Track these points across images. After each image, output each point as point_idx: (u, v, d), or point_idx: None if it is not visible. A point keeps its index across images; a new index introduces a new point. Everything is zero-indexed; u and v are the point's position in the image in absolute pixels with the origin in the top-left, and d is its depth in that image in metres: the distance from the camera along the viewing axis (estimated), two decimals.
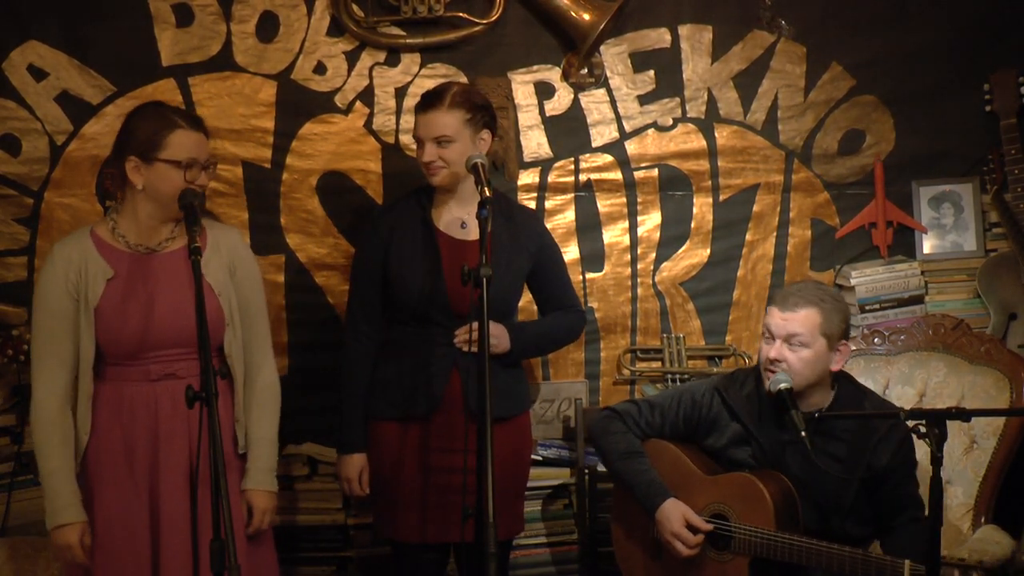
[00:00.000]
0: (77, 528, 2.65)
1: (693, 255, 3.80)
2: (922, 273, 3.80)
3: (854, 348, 3.58)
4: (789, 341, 2.90)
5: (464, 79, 3.59)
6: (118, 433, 2.69)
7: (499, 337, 2.98)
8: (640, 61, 3.71)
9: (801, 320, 2.90)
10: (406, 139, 3.61)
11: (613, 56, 3.69)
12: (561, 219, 3.74)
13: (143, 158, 2.66)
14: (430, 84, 3.55)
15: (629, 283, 3.78)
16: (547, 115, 3.69)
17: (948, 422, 2.52)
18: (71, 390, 2.71)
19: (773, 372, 2.92)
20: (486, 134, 3.01)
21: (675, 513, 2.94)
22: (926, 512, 2.89)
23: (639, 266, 3.78)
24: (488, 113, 3.04)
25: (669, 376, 3.74)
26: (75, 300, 2.69)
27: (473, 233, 3.00)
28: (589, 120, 3.72)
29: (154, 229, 2.75)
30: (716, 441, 3.03)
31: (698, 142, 3.77)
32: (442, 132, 2.94)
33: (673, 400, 3.11)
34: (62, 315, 2.69)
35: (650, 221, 3.78)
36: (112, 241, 2.74)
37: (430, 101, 2.98)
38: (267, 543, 2.90)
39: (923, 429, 2.52)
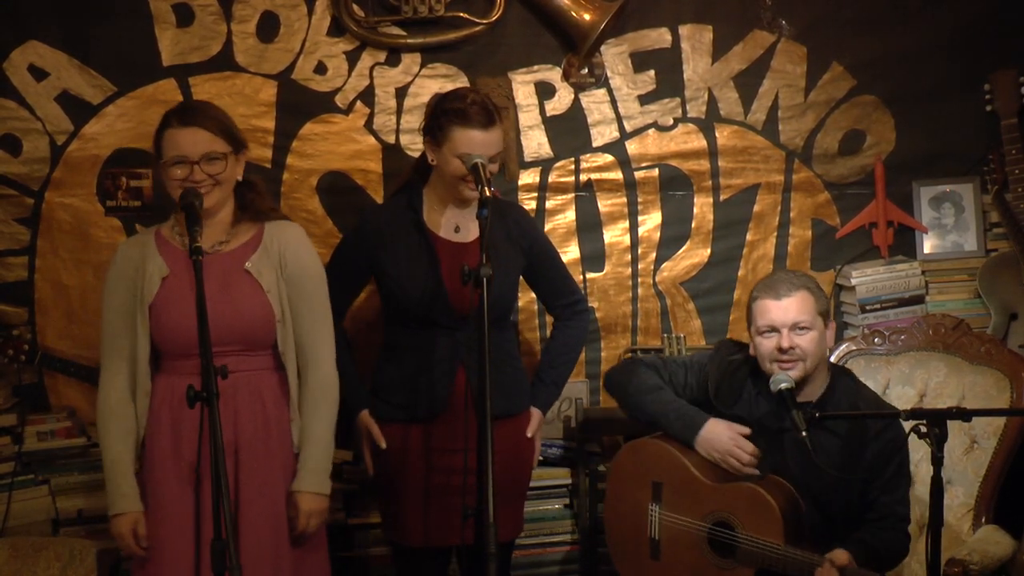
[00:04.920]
0: (130, 518, 2.69)
1: (694, 255, 3.80)
2: (923, 273, 3.79)
3: (854, 348, 3.59)
4: (795, 328, 2.91)
5: (464, 79, 3.59)
6: (168, 424, 2.72)
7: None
8: (640, 61, 3.71)
9: (799, 305, 2.92)
10: (406, 139, 3.61)
11: (613, 56, 3.69)
12: (561, 219, 3.74)
13: (158, 162, 2.74)
14: (431, 84, 3.57)
15: (630, 283, 3.79)
16: (547, 115, 3.70)
17: (948, 422, 2.53)
18: (132, 384, 2.76)
19: (789, 363, 2.91)
20: None
21: (721, 431, 2.93)
22: (908, 527, 2.90)
23: (640, 266, 3.78)
24: None
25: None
26: (134, 297, 2.74)
27: (469, 235, 3.00)
28: (589, 120, 3.72)
29: (205, 229, 2.75)
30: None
31: (699, 142, 3.77)
32: (499, 149, 2.92)
33: (692, 365, 3.13)
34: (123, 312, 2.75)
35: (651, 221, 3.78)
36: (171, 239, 2.79)
37: (488, 119, 2.89)
38: (319, 545, 2.90)
39: (923, 429, 2.52)
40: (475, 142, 2.87)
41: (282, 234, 2.84)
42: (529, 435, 3.11)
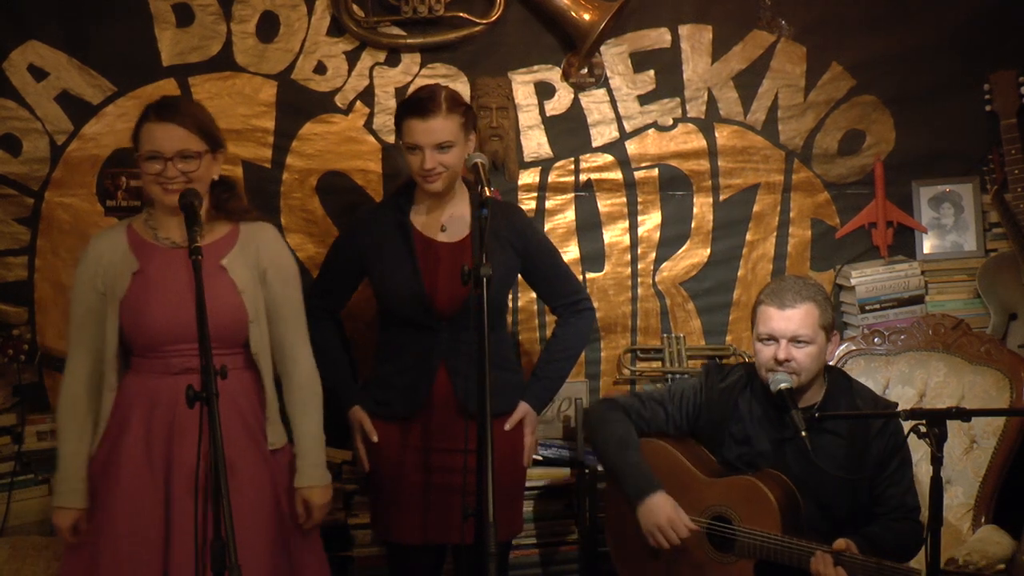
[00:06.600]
0: (72, 514, 2.71)
1: (693, 255, 3.80)
2: (922, 273, 3.80)
3: (854, 348, 3.59)
4: (794, 340, 2.90)
5: (464, 79, 3.59)
6: (139, 423, 2.72)
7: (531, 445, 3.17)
8: (640, 61, 3.71)
9: (802, 318, 2.91)
10: None
11: (613, 56, 3.69)
12: (561, 219, 3.74)
13: (136, 156, 2.73)
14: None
15: (629, 283, 3.79)
16: (547, 115, 3.70)
17: (948, 422, 2.53)
18: (97, 378, 2.75)
19: (783, 374, 2.90)
20: (473, 135, 3.01)
21: (664, 505, 2.93)
22: (921, 517, 2.90)
23: (639, 266, 3.78)
24: (472, 113, 3.05)
25: (669, 376, 3.74)
26: (101, 293, 2.74)
27: (455, 235, 3.01)
28: (589, 120, 3.72)
29: (178, 225, 2.75)
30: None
31: (698, 142, 3.77)
32: (444, 138, 2.90)
33: (674, 396, 3.11)
34: (89, 306, 2.75)
35: (650, 221, 3.78)
36: (144, 233, 2.78)
37: (427, 107, 2.91)
38: (315, 538, 2.92)
39: (923, 429, 2.52)
40: (415, 131, 2.90)
41: (259, 235, 2.85)
42: (507, 428, 3.08)
